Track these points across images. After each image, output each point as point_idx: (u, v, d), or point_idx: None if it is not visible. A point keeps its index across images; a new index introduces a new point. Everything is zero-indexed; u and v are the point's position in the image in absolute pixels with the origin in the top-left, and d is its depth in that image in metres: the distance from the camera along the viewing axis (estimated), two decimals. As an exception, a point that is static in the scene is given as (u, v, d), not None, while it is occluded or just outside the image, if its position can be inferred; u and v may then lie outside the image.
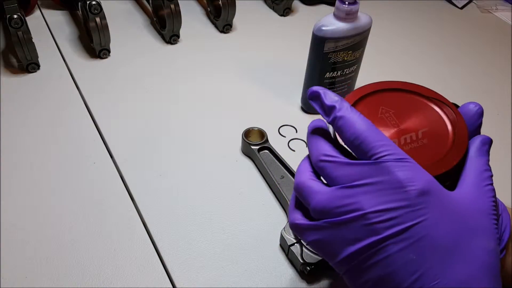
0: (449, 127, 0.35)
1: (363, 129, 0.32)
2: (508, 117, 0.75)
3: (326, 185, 0.34)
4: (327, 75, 0.67)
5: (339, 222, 0.32)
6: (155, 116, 0.70)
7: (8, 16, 0.69)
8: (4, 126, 0.66)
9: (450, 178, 0.34)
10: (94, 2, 0.74)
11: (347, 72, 0.68)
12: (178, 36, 0.85)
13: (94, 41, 0.77)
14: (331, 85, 0.69)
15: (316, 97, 0.35)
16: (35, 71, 0.76)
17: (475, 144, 0.35)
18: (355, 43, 0.64)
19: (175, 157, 0.64)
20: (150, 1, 0.87)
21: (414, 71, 0.84)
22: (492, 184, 0.34)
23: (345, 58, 0.66)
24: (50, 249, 0.52)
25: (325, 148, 0.34)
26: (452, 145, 0.34)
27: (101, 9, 0.75)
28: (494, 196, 0.34)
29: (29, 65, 0.75)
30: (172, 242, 0.53)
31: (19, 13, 0.70)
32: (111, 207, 0.57)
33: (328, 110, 0.35)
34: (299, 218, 0.35)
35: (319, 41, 0.63)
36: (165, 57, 0.82)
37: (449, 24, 0.99)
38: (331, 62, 0.65)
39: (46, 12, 0.91)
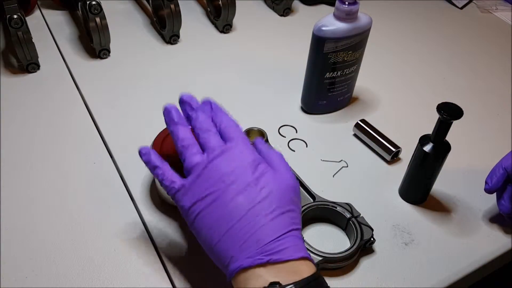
0: None
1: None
2: (508, 117, 0.75)
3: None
4: (327, 75, 0.67)
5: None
6: (155, 116, 0.69)
7: (8, 16, 0.69)
8: (4, 126, 0.66)
9: None
10: (94, 2, 0.74)
11: (347, 72, 0.68)
12: (178, 36, 0.85)
13: (94, 41, 0.77)
14: (331, 85, 0.69)
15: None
16: (35, 71, 0.76)
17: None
18: (355, 43, 0.64)
19: (175, 157, 0.64)
20: (150, 1, 0.87)
21: (414, 71, 0.84)
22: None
23: (345, 58, 0.66)
24: (50, 249, 0.52)
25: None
26: None
27: (101, 9, 0.75)
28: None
29: (29, 65, 0.75)
30: (172, 242, 0.53)
31: (19, 13, 0.70)
32: (111, 207, 0.57)
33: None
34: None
35: (319, 41, 0.63)
36: (165, 57, 0.82)
37: (449, 24, 0.99)
38: (331, 62, 0.65)
39: (46, 12, 0.91)
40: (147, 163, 0.48)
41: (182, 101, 0.50)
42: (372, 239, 0.53)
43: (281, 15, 0.96)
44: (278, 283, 0.39)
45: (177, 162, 0.53)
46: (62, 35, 0.85)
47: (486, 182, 0.56)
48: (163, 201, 0.57)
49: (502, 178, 0.55)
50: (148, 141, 0.57)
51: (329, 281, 0.51)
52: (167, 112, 0.48)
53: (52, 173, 0.60)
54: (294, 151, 0.66)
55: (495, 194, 0.57)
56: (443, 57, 0.88)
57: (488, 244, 0.56)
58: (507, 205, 0.55)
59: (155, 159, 0.47)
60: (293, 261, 0.40)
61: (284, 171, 0.45)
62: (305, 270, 0.40)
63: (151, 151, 0.48)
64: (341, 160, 0.65)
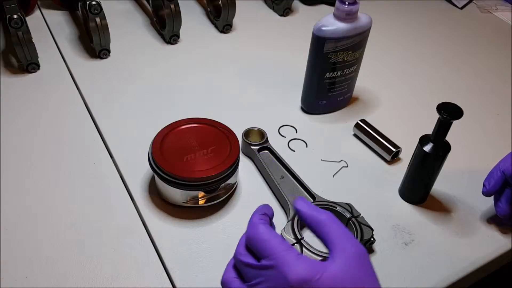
0: (228, 144, 0.56)
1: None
2: (508, 117, 0.75)
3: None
4: (327, 75, 0.67)
5: None
6: (155, 116, 0.70)
7: (8, 16, 0.69)
8: (4, 126, 0.66)
9: (230, 171, 0.55)
10: (94, 2, 0.74)
11: (347, 72, 0.68)
12: (178, 36, 0.85)
13: (94, 41, 0.77)
14: (331, 85, 0.69)
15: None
16: (35, 71, 0.76)
17: None
18: (355, 43, 0.64)
19: (175, 157, 0.64)
20: (150, 1, 0.87)
21: (414, 71, 0.84)
22: None
23: (345, 58, 0.66)
24: (50, 249, 0.52)
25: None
26: (228, 155, 0.55)
27: (101, 9, 0.75)
28: None
29: (29, 65, 0.75)
30: (172, 242, 0.53)
31: (19, 13, 0.70)
32: (111, 207, 0.57)
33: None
34: None
35: (319, 41, 0.63)
36: (165, 57, 0.82)
37: (449, 24, 0.99)
38: (331, 62, 0.65)
39: (46, 12, 0.91)
40: None
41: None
42: (372, 239, 0.53)
43: (281, 15, 0.96)
44: None
45: (178, 162, 0.53)
46: (62, 35, 0.85)
47: (483, 185, 0.56)
48: (163, 201, 0.57)
49: (500, 181, 0.55)
50: (148, 141, 0.57)
51: (329, 281, 0.51)
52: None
53: (52, 173, 0.60)
54: (294, 151, 0.66)
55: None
56: (443, 57, 0.88)
57: (488, 244, 0.56)
58: (504, 207, 0.55)
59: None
60: None
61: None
62: None
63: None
64: (341, 160, 0.65)
